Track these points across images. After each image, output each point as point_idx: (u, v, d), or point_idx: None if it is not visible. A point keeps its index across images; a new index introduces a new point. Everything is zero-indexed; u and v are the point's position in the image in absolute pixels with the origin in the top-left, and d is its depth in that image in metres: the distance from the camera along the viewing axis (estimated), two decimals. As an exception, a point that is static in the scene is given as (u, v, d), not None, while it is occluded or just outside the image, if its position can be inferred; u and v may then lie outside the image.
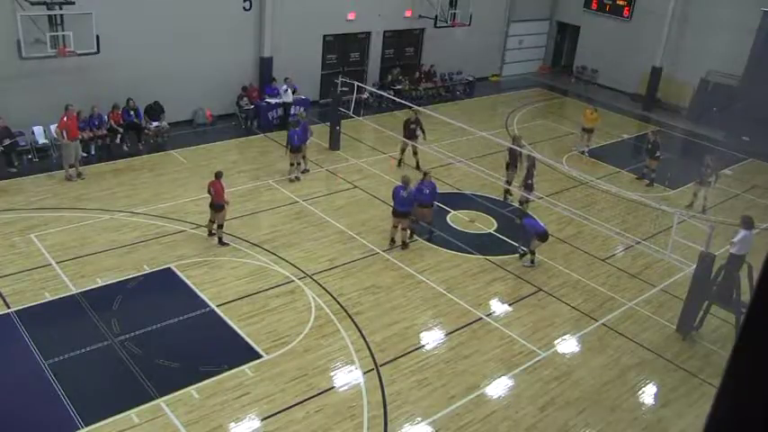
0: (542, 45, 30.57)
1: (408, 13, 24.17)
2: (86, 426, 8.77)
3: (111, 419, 8.89)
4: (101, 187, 15.69)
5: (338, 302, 11.99)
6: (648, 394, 10.62)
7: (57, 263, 12.42)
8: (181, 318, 11.24)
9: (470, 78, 26.15)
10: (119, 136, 17.79)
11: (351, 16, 22.64)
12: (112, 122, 17.68)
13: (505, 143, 17.42)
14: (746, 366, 1.36)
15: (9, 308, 11.04)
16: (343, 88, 19.84)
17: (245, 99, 20.20)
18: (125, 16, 17.64)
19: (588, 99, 25.51)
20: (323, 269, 13.02)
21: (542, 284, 13.28)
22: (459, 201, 16.44)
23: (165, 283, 12.25)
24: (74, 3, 15.95)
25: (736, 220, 12.81)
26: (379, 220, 14.76)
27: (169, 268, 12.58)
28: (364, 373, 10.27)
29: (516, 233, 14.62)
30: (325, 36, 22.44)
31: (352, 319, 11.55)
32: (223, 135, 19.53)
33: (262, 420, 9.19)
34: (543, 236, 13.77)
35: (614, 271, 14.11)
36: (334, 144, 18.96)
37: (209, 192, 13.45)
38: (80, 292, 11.61)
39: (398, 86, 23.60)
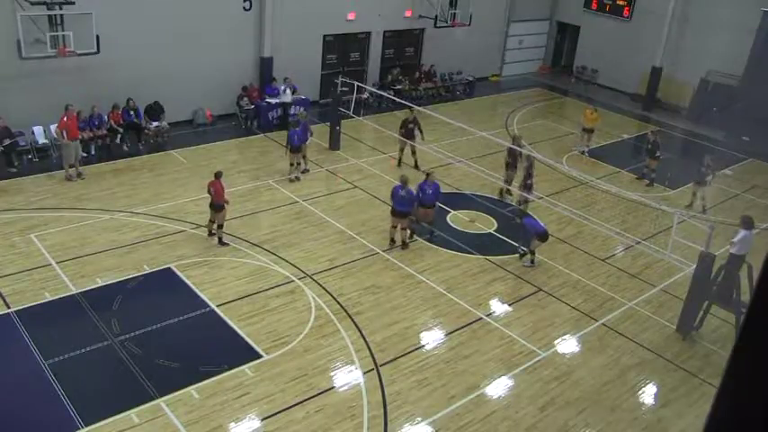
0: (542, 45, 30.57)
1: (408, 13, 24.17)
2: (86, 426, 8.77)
3: (111, 419, 8.89)
4: (101, 187, 15.70)
5: (338, 302, 11.99)
6: (648, 394, 10.62)
7: (57, 263, 12.42)
8: (181, 318, 11.24)
9: (470, 78, 26.15)
10: (119, 136, 17.80)
11: (351, 16, 22.65)
12: (112, 122, 17.68)
13: (505, 143, 17.42)
14: (746, 366, 1.36)
15: (9, 308, 11.04)
16: (343, 88, 19.84)
17: (246, 99, 20.20)
18: (125, 16, 17.65)
19: (588, 99, 25.51)
20: (323, 269, 13.02)
21: (542, 284, 13.28)
22: (460, 201, 16.44)
23: (165, 283, 12.25)
24: (74, 3, 15.95)
25: (736, 220, 12.80)
26: (379, 220, 14.76)
27: (169, 268, 12.58)
28: (364, 373, 10.27)
29: (516, 233, 14.62)
30: (325, 36, 22.44)
31: (352, 319, 11.55)
32: (223, 135, 19.54)
33: (262, 420, 9.19)
34: (543, 236, 13.77)
35: (614, 271, 14.11)
36: (334, 144, 18.96)
37: (208, 192, 13.45)
38: (80, 292, 11.61)
39: (398, 86, 23.61)
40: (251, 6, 20.17)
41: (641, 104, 26.37)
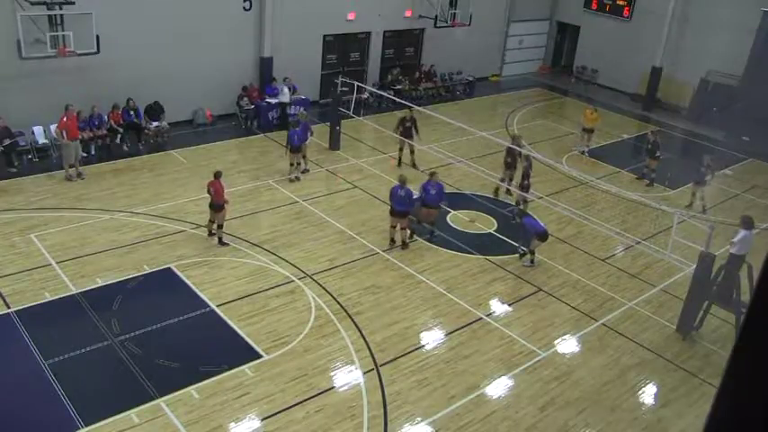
0: (542, 45, 30.57)
1: (408, 13, 24.17)
2: (86, 426, 8.77)
3: (111, 419, 8.89)
4: (101, 187, 15.70)
5: (338, 302, 11.99)
6: (648, 394, 10.62)
7: (57, 263, 12.42)
8: (181, 318, 11.24)
9: (470, 78, 26.15)
10: (119, 136, 17.80)
11: (351, 16, 22.65)
12: (112, 122, 17.68)
13: (506, 143, 17.42)
14: (746, 366, 1.36)
15: (9, 308, 11.04)
16: (343, 88, 19.85)
17: (246, 99, 20.20)
18: (125, 16, 17.65)
19: (588, 99, 25.51)
20: (323, 269, 13.02)
21: (542, 284, 13.28)
22: (460, 201, 16.44)
23: (165, 283, 12.25)
24: (74, 3, 15.95)
25: (736, 220, 12.80)
26: (379, 220, 14.76)
27: (169, 268, 12.58)
28: (364, 373, 10.27)
29: (516, 233, 14.62)
30: (325, 36, 22.44)
31: (352, 319, 11.55)
32: (223, 135, 19.54)
33: (262, 420, 9.19)
34: (543, 235, 13.77)
35: (614, 271, 14.11)
36: (334, 144, 18.96)
37: (208, 192, 13.45)
38: (80, 292, 11.61)
39: (398, 86, 23.61)
40: (251, 6, 20.17)
41: (641, 104, 26.37)
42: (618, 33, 27.30)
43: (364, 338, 11.07)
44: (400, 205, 13.62)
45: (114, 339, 10.51)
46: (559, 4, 29.84)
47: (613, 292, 13.24)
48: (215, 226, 13.58)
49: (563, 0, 29.65)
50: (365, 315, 11.71)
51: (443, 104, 24.03)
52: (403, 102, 19.16)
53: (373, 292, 12.43)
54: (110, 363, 10.06)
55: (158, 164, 17.34)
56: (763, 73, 22.11)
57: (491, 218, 15.91)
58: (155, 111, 18.40)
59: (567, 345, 11.57)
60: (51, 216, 14.14)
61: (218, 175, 13.45)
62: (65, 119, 15.43)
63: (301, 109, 18.93)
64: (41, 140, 17.08)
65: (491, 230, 15.35)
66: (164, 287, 12.18)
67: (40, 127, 17.09)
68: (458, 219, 15.67)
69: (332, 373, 10.26)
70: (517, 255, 14.14)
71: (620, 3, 27.25)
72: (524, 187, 15.55)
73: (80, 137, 16.21)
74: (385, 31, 24.09)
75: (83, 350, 10.22)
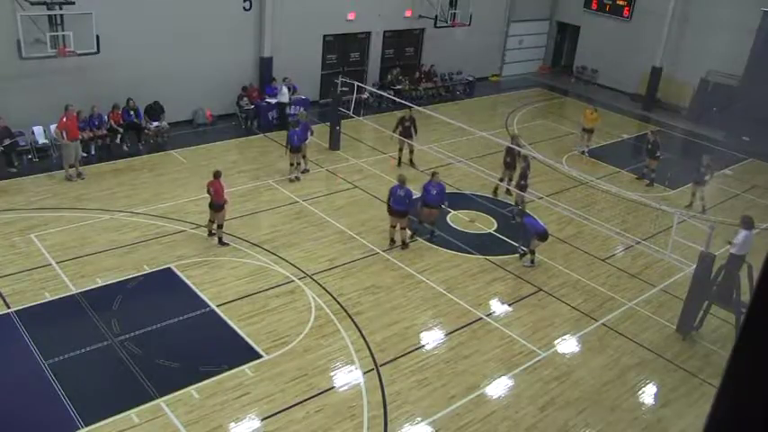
0: (542, 45, 30.57)
1: (408, 13, 24.18)
2: (86, 426, 8.77)
3: (111, 419, 8.89)
4: (101, 187, 15.70)
5: (338, 302, 11.99)
6: (648, 394, 10.62)
7: (57, 263, 12.42)
8: (181, 318, 11.24)
9: (470, 78, 26.15)
10: (119, 136, 17.80)
11: (351, 16, 22.65)
12: (112, 122, 17.68)
13: (506, 143, 17.42)
14: (746, 366, 1.36)
15: (9, 308, 11.04)
16: (343, 88, 19.85)
17: (245, 99, 20.20)
18: (125, 16, 17.65)
19: (588, 99, 25.50)
20: (323, 269, 13.02)
21: (542, 284, 13.28)
22: (460, 201, 16.43)
23: (165, 283, 12.25)
24: (74, 3, 15.95)
25: (736, 220, 12.80)
26: (379, 220, 14.76)
27: (169, 268, 12.58)
28: (364, 373, 10.27)
29: (516, 233, 14.62)
30: (325, 36, 22.44)
31: (352, 319, 11.55)
32: (223, 135, 19.54)
33: (262, 420, 9.19)
34: (543, 235, 13.77)
35: (614, 271, 14.11)
36: (334, 144, 18.96)
37: (208, 192, 13.45)
38: (80, 292, 11.61)
39: (398, 86, 23.61)
40: (251, 6, 20.18)
41: (641, 104, 26.37)
42: (618, 33, 27.30)
43: (364, 338, 11.07)
44: (399, 205, 13.61)
45: (114, 339, 10.51)
46: (559, 4, 29.84)
47: (613, 292, 13.24)
48: (215, 226, 13.58)
49: (563, 0, 29.65)
50: (365, 315, 11.70)
51: (443, 104, 24.03)
52: (403, 102, 19.17)
53: (373, 292, 12.43)
54: (110, 363, 10.06)
55: (158, 164, 17.34)
56: (763, 73, 22.10)
57: (491, 218, 15.91)
58: (155, 111, 18.40)
59: (567, 345, 11.57)
60: (51, 216, 14.14)
61: (217, 174, 13.45)
62: (64, 119, 15.43)
63: (301, 109, 18.93)
64: (41, 140, 17.08)
65: (491, 230, 15.35)
66: (164, 287, 12.17)
67: (40, 127, 17.09)
68: (458, 219, 15.67)
69: (332, 373, 10.26)
70: (517, 255, 14.14)
71: (620, 3, 27.26)
72: (522, 187, 15.57)
73: (80, 137, 16.20)
74: (385, 31, 24.09)
75: (83, 350, 10.23)
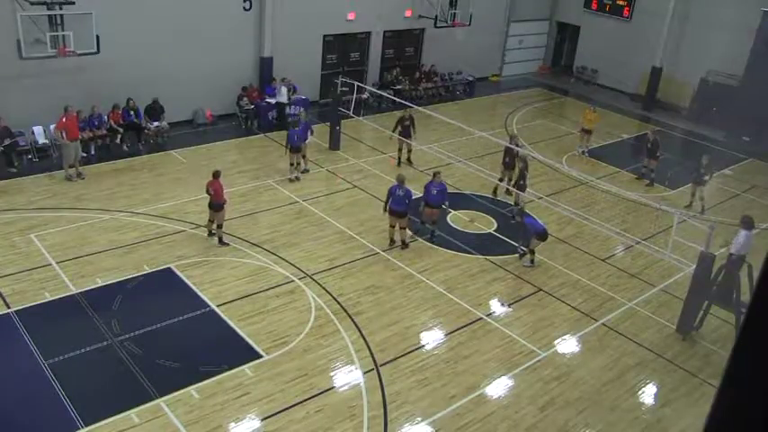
0: (542, 45, 30.57)
1: (408, 13, 24.17)
2: (86, 426, 8.77)
3: (111, 419, 8.89)
4: (101, 187, 15.69)
5: (338, 302, 11.99)
6: (648, 394, 10.62)
7: (57, 263, 12.42)
8: (181, 318, 11.24)
9: (470, 78, 26.15)
10: (119, 136, 17.79)
11: (351, 16, 22.65)
12: (112, 122, 17.68)
13: (505, 143, 17.42)
14: (746, 366, 1.36)
15: (9, 308, 11.04)
16: (344, 88, 19.85)
17: (245, 99, 20.20)
18: (125, 16, 17.65)
19: (588, 99, 25.50)
20: (323, 269, 13.02)
21: (542, 284, 13.28)
22: (460, 201, 16.43)
23: (165, 283, 12.25)
24: (74, 3, 15.94)
25: (736, 220, 12.80)
26: (379, 220, 14.75)
27: (169, 268, 12.58)
28: (364, 373, 10.27)
29: (515, 233, 14.62)
30: (325, 36, 22.44)
31: (352, 319, 11.55)
32: (223, 135, 19.54)
33: (262, 420, 9.19)
34: (542, 235, 13.76)
35: (614, 271, 14.11)
36: (334, 144, 18.96)
37: (207, 192, 13.44)
38: (80, 292, 11.61)
39: (398, 86, 23.61)
40: (251, 6, 20.18)
41: (641, 104, 26.37)
42: (618, 33, 27.29)
43: (364, 338, 11.07)
44: (399, 205, 13.60)
45: (114, 339, 10.51)
46: (559, 4, 29.84)
47: (613, 292, 13.24)
48: (215, 226, 13.58)
49: (563, 0, 29.65)
50: (365, 315, 11.70)
51: (443, 104, 24.03)
52: (403, 102, 19.18)
53: (373, 292, 12.43)
54: (110, 363, 10.06)
55: (158, 164, 17.34)
56: (763, 73, 22.10)
57: (491, 218, 15.91)
58: (155, 111, 18.40)
59: (567, 345, 11.57)
60: (51, 216, 14.13)
61: (216, 174, 13.45)
62: (64, 119, 15.43)
63: (301, 109, 18.94)
64: (41, 140, 17.08)
65: (491, 230, 15.35)
66: (164, 287, 12.17)
67: (40, 127, 17.09)
68: (458, 219, 15.67)
69: (332, 373, 10.26)
70: (517, 255, 14.14)
71: (620, 3, 27.26)
72: (520, 187, 15.58)
73: (80, 137, 16.20)
74: (385, 31, 24.09)
75: (83, 350, 10.22)
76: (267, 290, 12.18)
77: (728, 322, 12.18)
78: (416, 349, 11.02)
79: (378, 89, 22.50)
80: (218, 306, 11.56)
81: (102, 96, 17.40)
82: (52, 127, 16.52)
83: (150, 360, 10.11)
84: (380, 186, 16.51)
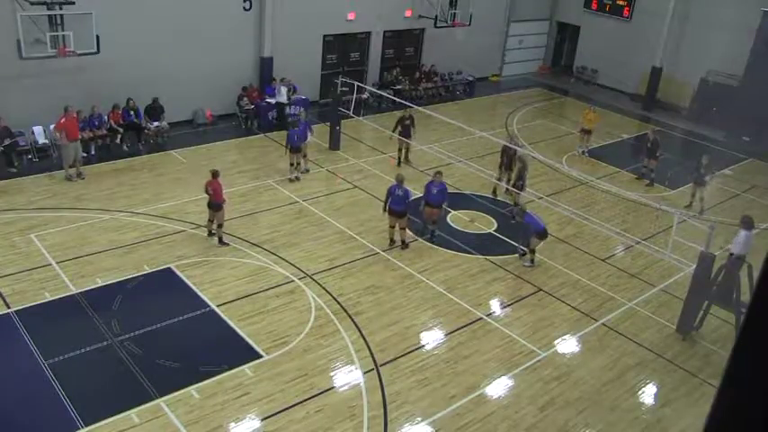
0: (542, 45, 30.58)
1: (408, 13, 24.18)
2: (86, 426, 8.77)
3: (111, 419, 8.89)
4: (101, 187, 15.69)
5: (338, 302, 11.99)
6: (648, 394, 10.62)
7: (57, 263, 12.42)
8: (181, 318, 11.24)
9: (470, 78, 26.15)
10: (119, 136, 17.80)
11: (351, 16, 22.65)
12: (112, 122, 17.68)
13: (505, 143, 17.42)
14: (746, 366, 1.36)
15: (9, 308, 11.04)
16: (343, 88, 19.85)
17: (245, 99, 20.20)
18: (125, 16, 17.65)
19: (588, 99, 25.49)
20: (323, 269, 13.02)
21: (542, 284, 13.28)
22: (460, 201, 16.43)
23: (165, 283, 12.25)
24: (74, 3, 15.94)
25: (736, 220, 12.80)
26: (379, 220, 14.74)
27: (169, 268, 12.58)
28: (364, 373, 10.27)
29: (516, 233, 14.61)
30: (325, 36, 22.44)
31: (352, 319, 11.55)
32: (223, 135, 19.54)
33: (262, 420, 9.19)
34: (542, 234, 13.75)
35: (614, 271, 14.11)
36: (334, 144, 18.97)
37: (206, 191, 13.44)
38: (80, 292, 11.61)
39: (398, 86, 23.61)
40: (251, 6, 20.18)
41: (641, 104, 26.37)
42: (618, 33, 27.29)
43: (364, 338, 11.07)
44: (398, 205, 13.60)
45: (114, 339, 10.51)
46: (559, 4, 29.84)
47: (613, 292, 13.24)
48: (214, 225, 13.58)
49: (563, 0, 29.65)
50: (365, 315, 11.71)
51: (443, 104, 24.03)
52: (403, 102, 19.18)
53: (373, 292, 12.43)
54: (110, 363, 10.06)
55: (158, 164, 17.34)
56: (763, 73, 22.10)
57: (491, 218, 15.91)
58: (155, 111, 18.40)
59: (567, 345, 11.57)
60: (51, 216, 14.13)
61: (215, 174, 13.45)
62: (63, 120, 15.42)
63: (301, 109, 18.94)
64: (41, 140, 17.08)
65: (491, 230, 15.35)
66: (164, 287, 12.17)
67: (40, 127, 17.08)
68: (458, 219, 15.67)
69: (332, 373, 10.26)
70: (517, 255, 14.13)
71: (620, 3, 27.26)
72: (519, 187, 15.58)
73: (80, 137, 16.19)
74: (385, 31, 24.09)
75: (83, 350, 10.22)
76: (267, 290, 12.18)
77: (728, 322, 12.18)
78: (416, 349, 11.02)
79: (378, 89, 22.50)
80: (218, 306, 11.56)
81: (102, 96, 17.40)
82: (52, 127, 16.53)
83: (150, 360, 10.11)
84: (381, 186, 16.49)
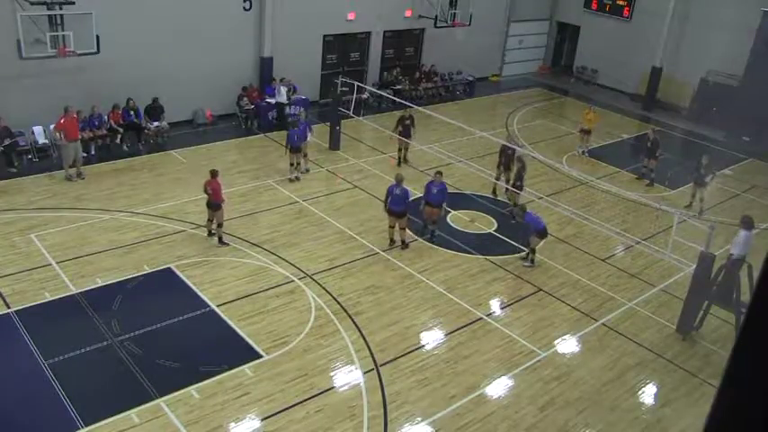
0: (542, 45, 30.58)
1: (408, 13, 24.18)
2: (86, 426, 8.77)
3: (111, 419, 8.89)
4: (101, 187, 15.69)
5: (338, 302, 11.99)
6: (648, 394, 10.62)
7: (57, 263, 12.42)
8: (181, 318, 11.24)
9: (470, 78, 26.15)
10: (119, 136, 17.80)
11: (351, 16, 22.65)
12: (112, 122, 17.68)
13: (505, 143, 17.42)
14: (746, 366, 1.36)
15: (9, 308, 11.04)
16: (344, 88, 19.85)
17: (245, 99, 20.20)
18: (125, 16, 17.65)
19: (588, 99, 25.49)
20: (323, 269, 13.02)
21: (542, 284, 13.28)
22: (460, 201, 16.43)
23: (165, 283, 12.25)
24: (74, 3, 15.94)
25: (736, 220, 12.80)
26: (379, 220, 14.75)
27: (169, 268, 12.58)
28: (364, 373, 10.27)
29: (516, 233, 14.62)
30: (325, 36, 22.44)
31: (352, 319, 11.55)
32: (223, 135, 19.54)
33: (262, 420, 9.19)
34: (542, 233, 13.75)
35: (614, 271, 14.11)
36: (334, 144, 18.97)
37: (205, 191, 13.44)
38: (80, 292, 11.61)
39: (398, 86, 23.61)
40: (251, 6, 20.18)
41: (641, 104, 26.37)
42: (618, 33, 27.29)
43: (364, 338, 11.07)
44: (397, 205, 13.60)
45: (114, 339, 10.51)
46: (559, 4, 29.84)
47: (613, 292, 13.24)
48: (214, 225, 13.58)
49: (563, 0, 29.65)
50: (365, 315, 11.71)
51: (443, 104, 24.03)
52: (403, 102, 19.19)
53: (373, 292, 12.43)
54: (110, 363, 10.06)
55: (158, 164, 17.34)
56: (763, 73, 22.10)
57: (491, 218, 15.91)
58: (155, 111, 18.40)
59: (567, 345, 11.57)
60: (51, 216, 14.13)
61: (214, 173, 13.45)
62: (63, 120, 15.42)
63: (301, 109, 18.94)
64: (41, 140, 17.08)
65: (491, 230, 15.35)
66: (164, 287, 12.17)
67: (40, 127, 17.08)
68: (458, 219, 15.67)
69: (332, 373, 10.26)
70: (520, 255, 14.12)
71: (620, 3, 27.26)
72: (517, 188, 15.58)
73: (80, 137, 16.19)
74: (385, 31, 24.09)
75: (83, 350, 10.22)
76: (267, 290, 12.18)
77: (728, 322, 12.18)
78: (416, 349, 11.02)
79: (378, 89, 22.51)
80: (218, 306, 11.56)
81: (102, 96, 17.40)
82: (52, 127, 16.53)
83: (150, 360, 10.11)
84: (380, 186, 16.49)
